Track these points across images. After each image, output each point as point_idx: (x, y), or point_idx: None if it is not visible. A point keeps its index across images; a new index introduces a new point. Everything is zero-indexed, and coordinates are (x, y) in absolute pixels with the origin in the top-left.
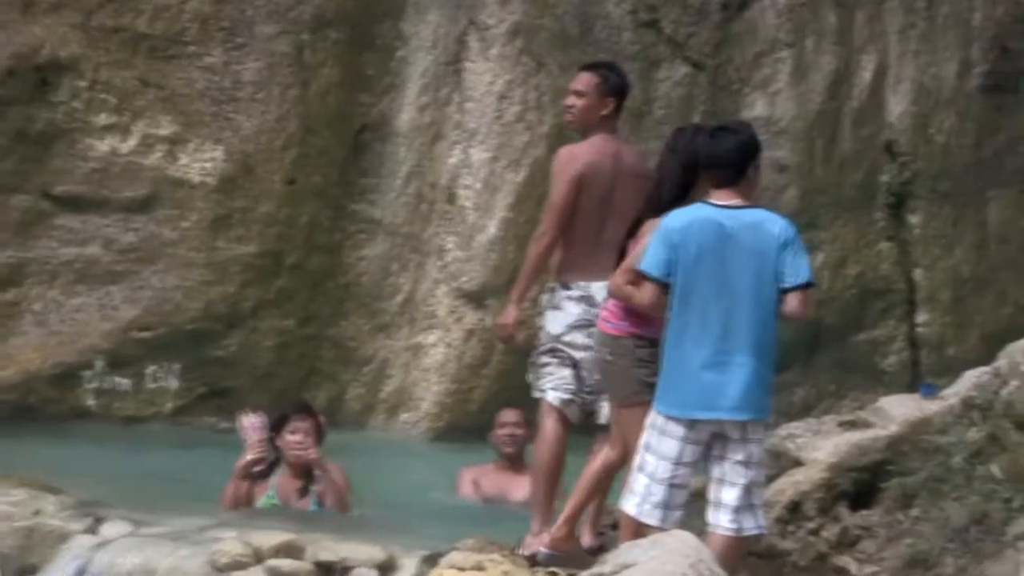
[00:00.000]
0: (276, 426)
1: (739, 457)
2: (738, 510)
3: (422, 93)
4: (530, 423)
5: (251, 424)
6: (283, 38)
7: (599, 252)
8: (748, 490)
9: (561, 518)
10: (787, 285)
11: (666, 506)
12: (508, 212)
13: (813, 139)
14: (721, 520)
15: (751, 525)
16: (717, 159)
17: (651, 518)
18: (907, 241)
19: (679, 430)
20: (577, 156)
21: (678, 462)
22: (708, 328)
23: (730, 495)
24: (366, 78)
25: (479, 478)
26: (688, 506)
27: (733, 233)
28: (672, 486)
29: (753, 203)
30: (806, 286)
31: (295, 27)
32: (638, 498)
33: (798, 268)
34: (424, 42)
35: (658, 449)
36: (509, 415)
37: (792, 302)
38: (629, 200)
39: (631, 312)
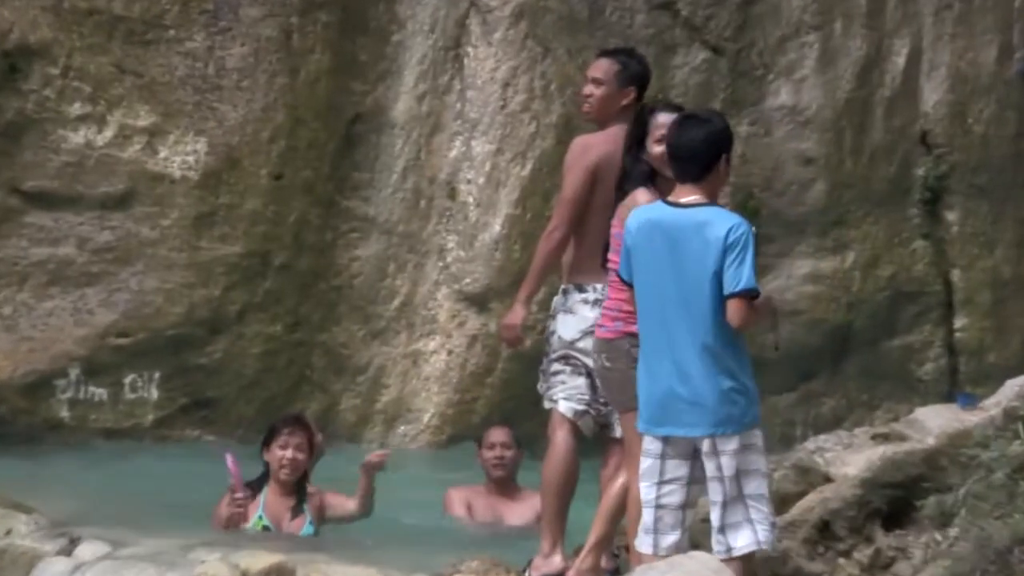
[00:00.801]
0: (265, 439)
1: (711, 472)
2: (722, 529)
3: (420, 81)
4: (520, 443)
5: (230, 463)
6: (270, 21)
7: (610, 253)
8: (729, 506)
9: (587, 547)
10: (725, 292)
11: (654, 531)
12: (513, 209)
13: (842, 129)
14: (712, 544)
15: (745, 543)
16: (681, 151)
17: (643, 546)
18: (943, 239)
19: (655, 447)
20: (592, 147)
21: (660, 481)
22: (661, 337)
23: (713, 515)
24: (359, 64)
25: (470, 503)
26: (687, 529)
27: (680, 235)
28: (658, 507)
29: (713, 200)
30: (745, 294)
31: (283, 10)
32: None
33: (739, 274)
34: (422, 26)
35: (641, 469)
36: (497, 435)
37: (729, 310)
38: None
39: (626, 311)
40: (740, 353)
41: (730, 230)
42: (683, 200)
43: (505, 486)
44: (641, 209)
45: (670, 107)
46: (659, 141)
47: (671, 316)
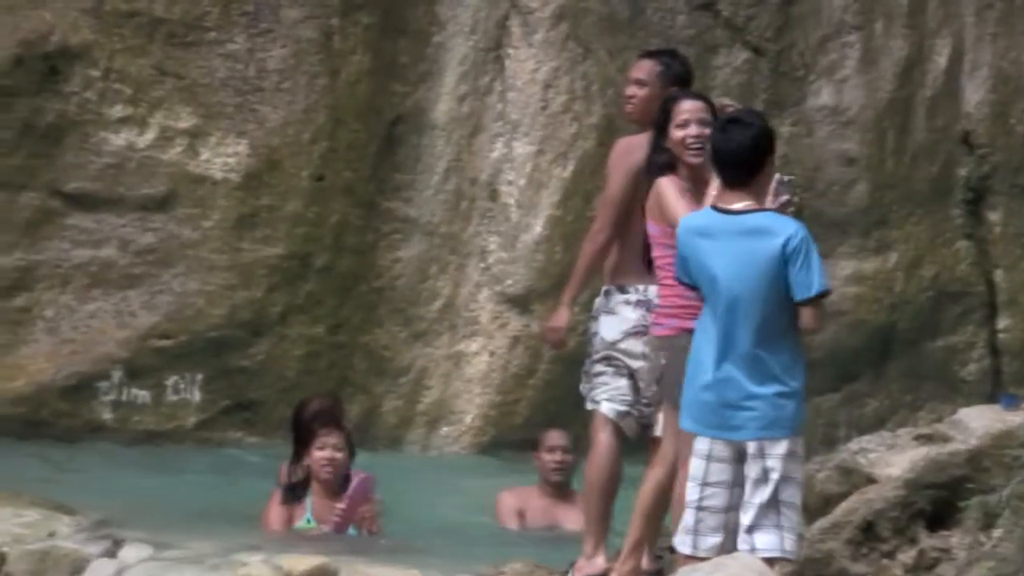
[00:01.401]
0: (299, 438)
1: (754, 475)
2: (751, 529)
3: (461, 82)
4: (576, 445)
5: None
6: (310, 23)
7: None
8: (764, 509)
9: (626, 549)
10: (798, 299)
11: (695, 532)
12: (554, 210)
13: (884, 130)
14: (738, 543)
15: (769, 546)
16: (727, 156)
17: (682, 546)
18: (986, 240)
19: (703, 447)
20: (634, 148)
21: (704, 482)
22: (712, 341)
23: (746, 516)
24: (400, 66)
25: (523, 506)
26: (731, 532)
27: (732, 242)
28: (700, 508)
29: (761, 204)
30: (819, 297)
31: (323, 11)
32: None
33: (809, 280)
34: (462, 27)
35: (689, 470)
36: (557, 438)
37: (805, 317)
38: None
39: (680, 306)
40: (794, 357)
41: (788, 239)
42: (734, 206)
43: (561, 490)
44: (690, 216)
45: (693, 95)
46: (680, 126)
47: (723, 321)
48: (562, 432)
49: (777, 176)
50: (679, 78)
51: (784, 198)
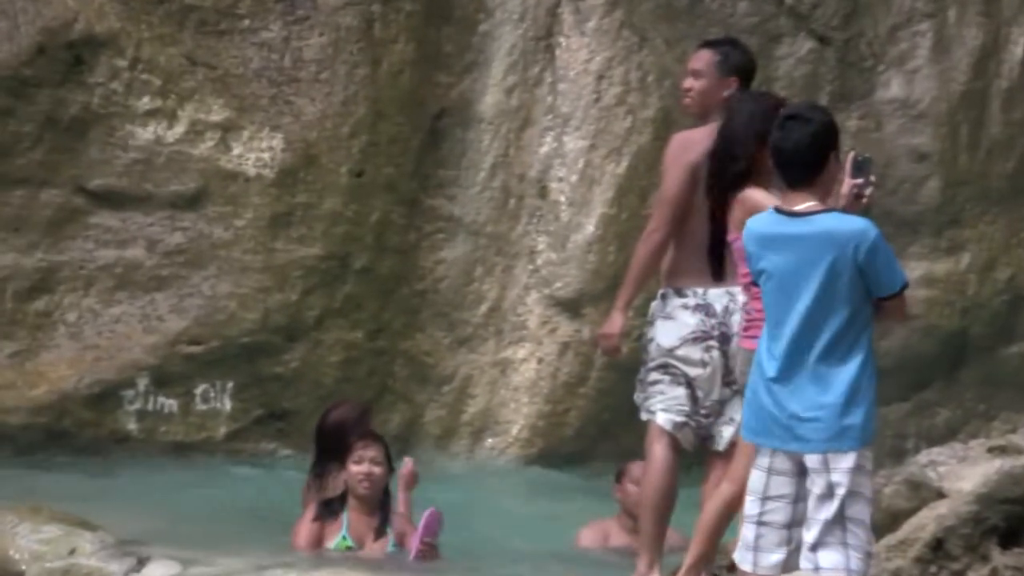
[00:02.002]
0: (337, 454)
1: (818, 490)
2: (815, 547)
3: (509, 73)
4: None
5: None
6: (350, 10)
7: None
8: (830, 526)
9: (685, 567)
10: (883, 295)
11: (755, 548)
12: (608, 208)
13: (957, 123)
14: (800, 561)
15: (833, 565)
16: (787, 155)
17: (744, 563)
18: None
19: (764, 460)
20: (692, 143)
21: (765, 496)
22: (777, 348)
23: (809, 533)
24: (444, 55)
25: (603, 543)
26: (795, 549)
27: (800, 245)
28: (760, 523)
29: (826, 203)
30: (903, 290)
31: None
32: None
33: (892, 276)
34: (511, 14)
35: (749, 483)
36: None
37: (891, 311)
38: None
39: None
40: (863, 366)
41: (858, 244)
42: (797, 208)
43: None
44: (753, 219)
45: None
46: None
47: (790, 327)
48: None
49: (852, 154)
50: (738, 67)
51: (859, 180)
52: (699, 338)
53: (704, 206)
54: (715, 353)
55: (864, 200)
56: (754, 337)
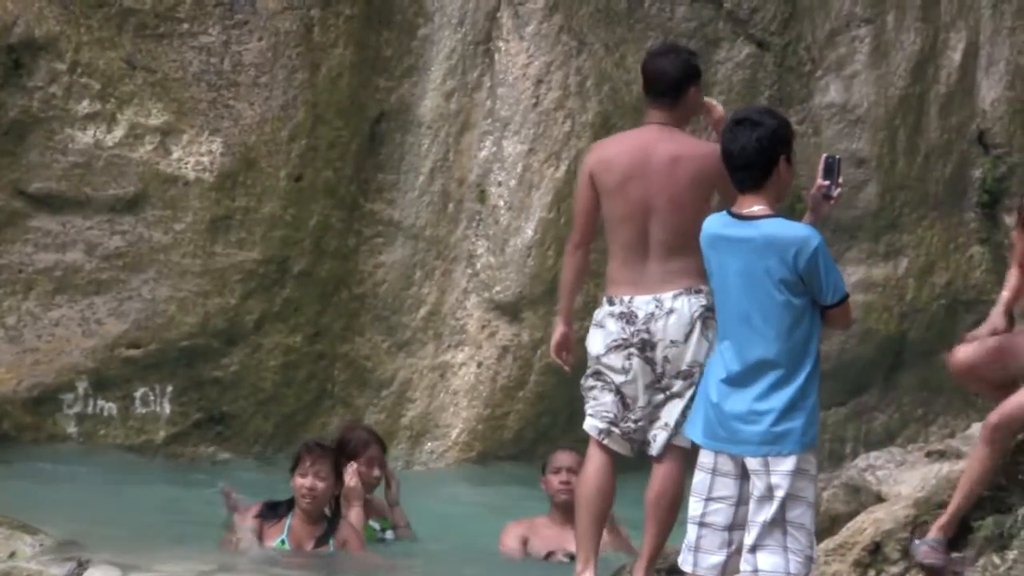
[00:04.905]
0: (293, 465)
1: (758, 492)
2: (754, 549)
3: (448, 77)
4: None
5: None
6: (289, 14)
7: (646, 262)
8: (769, 528)
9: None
10: (825, 303)
11: (696, 549)
12: (546, 212)
13: (895, 128)
14: (741, 563)
15: (772, 568)
16: (735, 159)
17: (685, 564)
18: (1002, 245)
19: (707, 460)
20: (593, 150)
21: (708, 497)
22: (722, 350)
23: (748, 535)
24: (384, 59)
25: (529, 534)
26: (735, 552)
27: (745, 248)
28: (702, 524)
29: (776, 208)
30: (844, 299)
31: (303, 1)
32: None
33: (831, 284)
34: (450, 19)
35: (693, 483)
36: (565, 458)
37: (834, 320)
38: (679, 200)
39: None
40: (809, 370)
41: (801, 247)
42: (746, 211)
43: (570, 513)
44: (707, 220)
45: None
46: None
47: (734, 330)
48: (572, 453)
49: (824, 156)
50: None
51: (827, 182)
52: (620, 346)
53: (637, 214)
54: (635, 360)
55: (832, 201)
56: None
